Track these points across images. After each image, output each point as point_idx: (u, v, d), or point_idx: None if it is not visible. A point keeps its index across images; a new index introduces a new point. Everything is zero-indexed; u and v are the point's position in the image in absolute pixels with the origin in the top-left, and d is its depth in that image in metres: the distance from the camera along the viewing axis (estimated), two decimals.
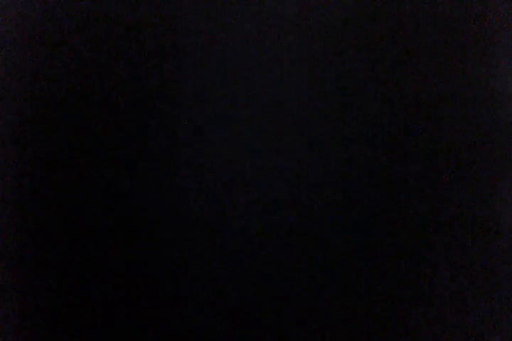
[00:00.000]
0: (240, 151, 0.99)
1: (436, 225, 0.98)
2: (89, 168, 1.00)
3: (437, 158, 0.99)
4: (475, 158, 0.99)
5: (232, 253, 0.98)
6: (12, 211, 1.02)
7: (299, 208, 0.98)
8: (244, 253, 0.98)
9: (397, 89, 0.99)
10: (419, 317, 0.98)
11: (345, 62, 0.99)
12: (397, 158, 0.98)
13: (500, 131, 1.00)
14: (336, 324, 0.98)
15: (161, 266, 0.99)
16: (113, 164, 1.00)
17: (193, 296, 0.99)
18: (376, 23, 0.99)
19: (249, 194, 0.99)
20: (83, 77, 1.01)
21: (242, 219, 0.99)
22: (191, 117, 1.00)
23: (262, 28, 1.00)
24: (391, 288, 0.98)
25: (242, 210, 0.99)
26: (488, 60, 1.00)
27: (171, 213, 0.99)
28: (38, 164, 1.02)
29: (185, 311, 0.98)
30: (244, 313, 0.98)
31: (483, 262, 0.98)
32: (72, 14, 1.02)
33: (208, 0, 1.00)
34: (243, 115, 0.99)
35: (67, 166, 1.01)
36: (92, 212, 1.00)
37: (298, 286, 0.98)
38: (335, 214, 0.98)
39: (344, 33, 0.99)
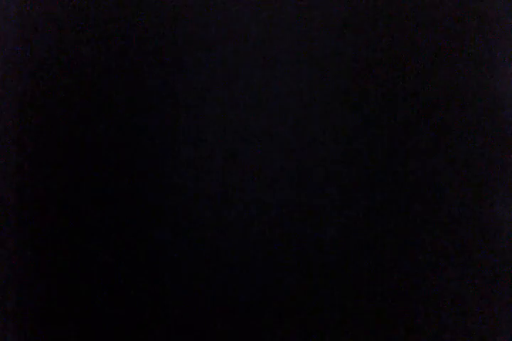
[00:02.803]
0: (239, 151, 0.99)
1: (436, 225, 0.98)
2: (88, 168, 1.00)
3: (437, 157, 0.99)
4: (475, 157, 0.99)
5: (232, 254, 0.99)
6: (12, 211, 1.02)
7: (299, 208, 0.98)
8: (244, 253, 0.98)
9: (397, 89, 0.99)
10: (419, 317, 0.98)
11: (345, 62, 0.99)
12: (396, 158, 0.99)
13: (500, 131, 1.00)
14: (336, 324, 0.98)
15: (160, 267, 0.99)
16: (113, 164, 1.00)
17: (192, 297, 0.99)
18: (376, 23, 0.99)
19: (249, 194, 0.99)
20: (83, 77, 1.01)
21: (241, 219, 0.99)
22: (191, 117, 1.00)
23: (262, 28, 1.00)
24: (391, 288, 0.98)
25: (241, 210, 0.99)
26: (488, 60, 1.00)
27: (170, 213, 0.99)
28: (38, 164, 1.02)
29: (184, 311, 0.99)
30: (244, 314, 0.98)
31: (483, 262, 0.98)
32: (72, 14, 1.02)
33: (208, 0, 1.01)
34: (243, 115, 1.00)
35: (67, 166, 1.01)
36: (91, 212, 1.00)
37: (298, 286, 0.98)
38: (335, 214, 0.98)
39: (344, 33, 0.99)
